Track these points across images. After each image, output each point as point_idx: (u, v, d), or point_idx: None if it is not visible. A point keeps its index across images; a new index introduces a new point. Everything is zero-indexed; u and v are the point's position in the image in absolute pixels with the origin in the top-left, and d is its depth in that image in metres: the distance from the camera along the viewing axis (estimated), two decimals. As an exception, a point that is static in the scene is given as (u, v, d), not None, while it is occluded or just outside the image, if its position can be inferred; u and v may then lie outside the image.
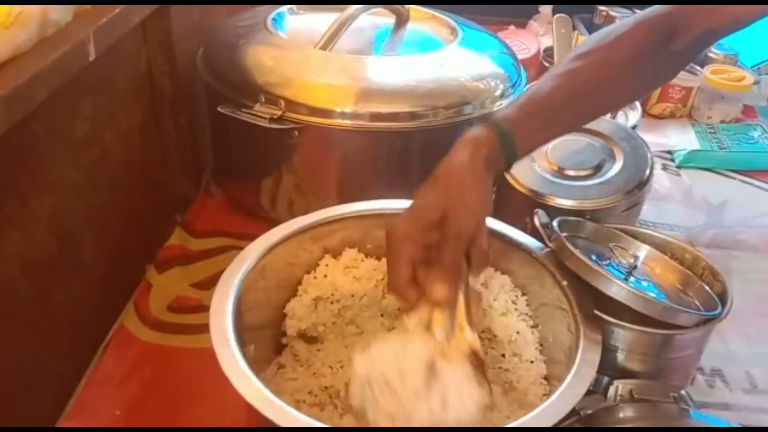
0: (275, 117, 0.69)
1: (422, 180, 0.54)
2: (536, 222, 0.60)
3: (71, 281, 0.61)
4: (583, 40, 0.67)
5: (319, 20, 0.82)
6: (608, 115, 0.76)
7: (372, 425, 0.46)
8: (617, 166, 0.66)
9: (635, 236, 0.62)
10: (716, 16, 0.58)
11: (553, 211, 0.63)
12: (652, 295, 0.51)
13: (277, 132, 0.70)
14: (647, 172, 0.65)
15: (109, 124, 0.65)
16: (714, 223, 0.91)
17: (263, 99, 0.71)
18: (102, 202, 0.65)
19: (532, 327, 0.59)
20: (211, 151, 0.85)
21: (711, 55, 1.22)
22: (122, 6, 0.59)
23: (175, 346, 0.66)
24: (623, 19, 1.28)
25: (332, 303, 0.60)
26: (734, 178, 1.02)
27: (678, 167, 1.03)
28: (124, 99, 0.68)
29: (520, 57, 1.06)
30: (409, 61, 0.75)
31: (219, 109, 0.70)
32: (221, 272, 0.76)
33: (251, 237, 0.74)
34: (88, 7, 0.57)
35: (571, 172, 0.66)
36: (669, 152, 1.06)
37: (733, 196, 0.97)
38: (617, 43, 0.60)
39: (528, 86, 0.61)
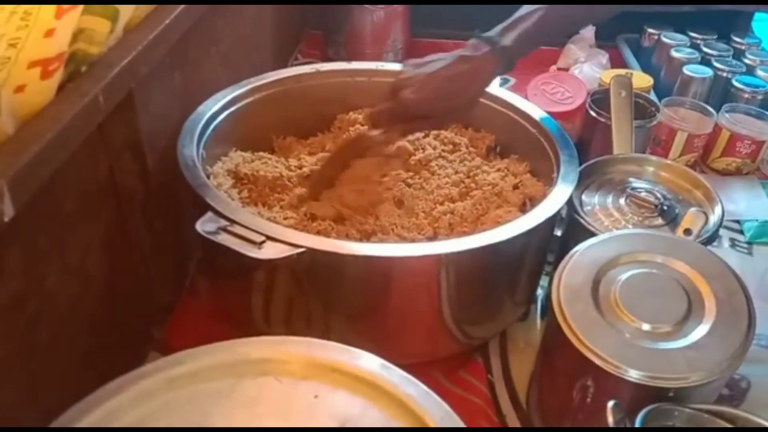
0: (271, 236, 0.55)
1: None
2: (609, 419, 0.45)
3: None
4: None
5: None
6: (691, 236, 0.60)
7: None
8: (708, 320, 0.50)
9: (733, 421, 0.47)
10: None
11: (621, 384, 0.48)
12: None
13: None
14: (749, 333, 0.50)
15: (52, 263, 0.50)
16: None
17: (254, 211, 0.56)
18: (49, 359, 0.51)
19: None
20: (197, 244, 0.71)
21: (785, 96, 1.05)
22: (60, 123, 0.45)
23: None
24: (680, 48, 1.13)
25: None
26: (819, 258, 0.86)
27: (749, 243, 0.88)
28: (75, 221, 0.53)
29: (565, 109, 0.92)
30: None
31: (198, 227, 0.56)
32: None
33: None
34: (9, 129, 0.43)
35: (646, 327, 0.51)
36: (737, 222, 0.91)
37: (819, 284, 0.82)
38: None
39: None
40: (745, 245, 0.87)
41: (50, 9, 0.38)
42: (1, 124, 0.41)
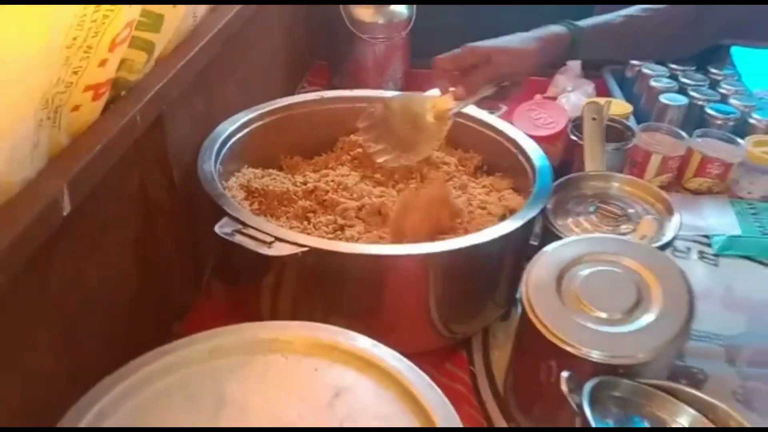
0: (280, 237, 0.63)
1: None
2: (563, 387, 0.53)
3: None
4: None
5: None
6: (645, 239, 0.69)
7: None
8: (654, 310, 0.58)
9: (676, 395, 0.55)
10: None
11: (579, 363, 0.57)
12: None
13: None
14: (688, 320, 0.58)
15: (91, 262, 0.59)
16: (756, 330, 0.83)
17: (265, 216, 0.65)
18: (87, 350, 0.59)
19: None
20: (212, 251, 0.80)
21: (752, 121, 1.14)
22: (107, 137, 0.54)
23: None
24: (659, 79, 1.22)
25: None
26: (779, 269, 0.94)
27: (715, 255, 0.96)
28: (113, 225, 0.62)
29: (547, 133, 1.00)
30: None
31: (216, 229, 0.64)
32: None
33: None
34: (65, 142, 0.52)
35: (602, 315, 0.59)
36: (707, 236, 0.99)
37: (777, 292, 0.90)
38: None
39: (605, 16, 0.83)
40: (712, 257, 0.95)
41: (106, 43, 0.47)
42: (60, 137, 0.51)
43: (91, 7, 0.42)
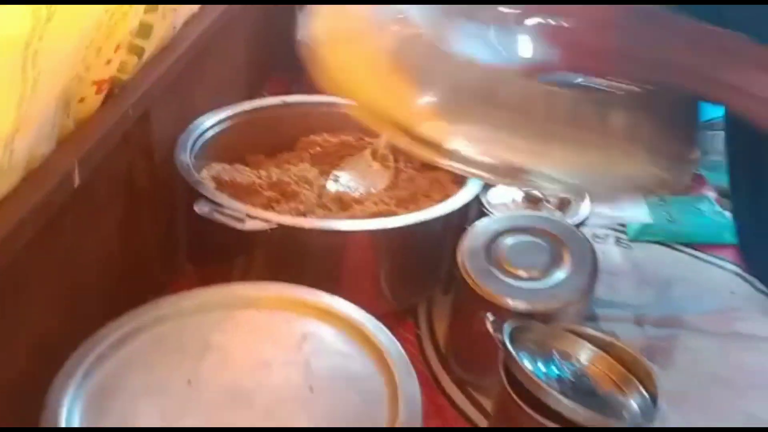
0: (251, 215, 0.74)
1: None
2: (488, 328, 0.65)
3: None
4: None
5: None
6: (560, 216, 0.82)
7: None
8: (565, 270, 0.71)
9: (582, 335, 0.68)
10: None
11: (504, 312, 0.68)
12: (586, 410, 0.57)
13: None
14: (593, 277, 0.71)
15: (89, 233, 0.69)
16: (662, 300, 0.97)
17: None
18: (82, 310, 0.69)
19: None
20: (187, 233, 0.90)
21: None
22: (106, 126, 0.64)
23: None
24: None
25: None
26: (683, 252, 1.09)
27: (630, 240, 1.10)
28: (105, 204, 0.72)
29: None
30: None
31: (195, 208, 0.75)
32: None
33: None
34: (71, 127, 0.62)
35: (523, 273, 0.71)
36: (622, 225, 1.13)
37: (681, 271, 1.04)
38: None
39: None
40: (627, 242, 1.09)
41: (112, 46, 0.57)
42: (68, 123, 0.61)
43: (108, 14, 0.53)
